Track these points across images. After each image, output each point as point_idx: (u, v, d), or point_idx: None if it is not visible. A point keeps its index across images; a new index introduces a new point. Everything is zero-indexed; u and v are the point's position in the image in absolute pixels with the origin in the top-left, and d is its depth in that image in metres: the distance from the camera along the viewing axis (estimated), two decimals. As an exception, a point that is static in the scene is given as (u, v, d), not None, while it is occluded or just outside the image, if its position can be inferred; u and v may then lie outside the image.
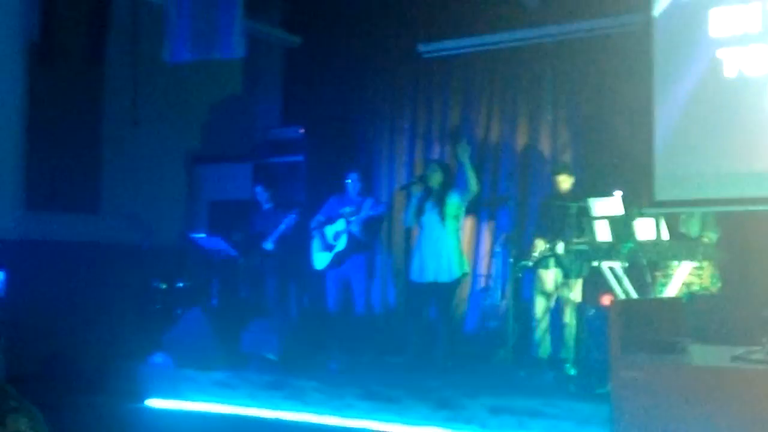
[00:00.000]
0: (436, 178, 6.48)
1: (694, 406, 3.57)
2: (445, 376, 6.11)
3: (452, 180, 6.67)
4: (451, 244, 6.40)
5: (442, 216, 6.39)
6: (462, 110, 7.84)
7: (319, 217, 7.07)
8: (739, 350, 3.83)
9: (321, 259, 7.02)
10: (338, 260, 6.96)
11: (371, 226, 6.92)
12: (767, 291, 3.78)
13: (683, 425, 3.65)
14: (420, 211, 6.47)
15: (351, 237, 6.83)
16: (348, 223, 6.82)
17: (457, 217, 6.49)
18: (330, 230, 6.98)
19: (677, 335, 4.15)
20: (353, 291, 7.08)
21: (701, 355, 4.20)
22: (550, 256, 6.18)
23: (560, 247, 6.03)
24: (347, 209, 6.94)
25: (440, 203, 6.41)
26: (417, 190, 6.53)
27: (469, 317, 7.39)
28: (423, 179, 6.57)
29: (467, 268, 6.60)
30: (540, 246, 6.25)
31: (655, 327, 4.10)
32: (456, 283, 6.46)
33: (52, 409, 6.48)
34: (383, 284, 7.78)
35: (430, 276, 6.37)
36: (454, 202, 6.45)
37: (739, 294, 5.98)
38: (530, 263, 6.27)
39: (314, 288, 7.70)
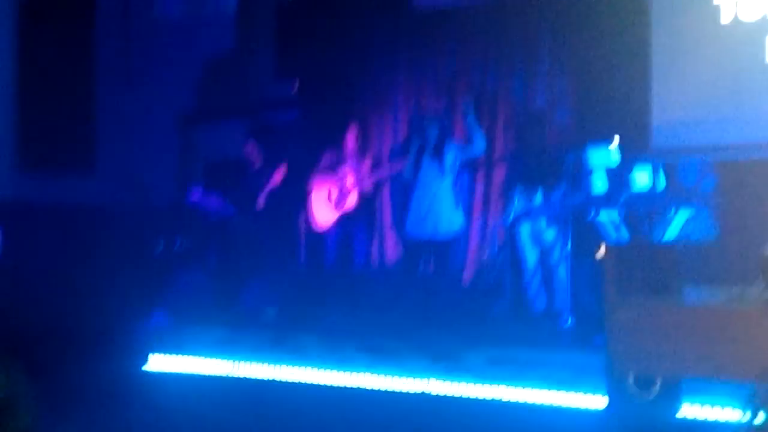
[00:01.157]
0: (432, 132, 6.42)
1: (689, 346, 3.59)
2: (443, 329, 6.13)
3: (448, 133, 6.62)
4: (449, 197, 6.37)
5: (440, 169, 6.36)
6: (457, 62, 7.74)
7: (319, 172, 7.04)
8: (735, 291, 3.84)
9: (326, 215, 6.98)
10: (346, 216, 6.93)
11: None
12: (764, 235, 3.77)
13: (679, 365, 3.68)
14: (417, 165, 6.42)
15: (361, 194, 6.80)
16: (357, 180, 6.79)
17: (453, 171, 6.46)
18: (337, 185, 6.95)
19: (672, 278, 4.16)
20: (355, 247, 7.08)
21: (696, 295, 4.22)
22: (540, 206, 6.14)
23: (540, 198, 6.01)
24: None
25: (437, 156, 6.36)
26: (413, 143, 6.49)
27: (467, 270, 7.38)
28: (419, 132, 6.53)
29: (462, 223, 6.59)
30: (530, 197, 6.21)
31: (650, 270, 4.11)
32: (454, 236, 6.43)
33: (53, 370, 6.57)
34: (381, 239, 7.75)
35: (428, 229, 6.35)
36: (450, 156, 6.40)
37: (736, 238, 5.97)
38: (521, 214, 6.24)
39: (311, 244, 7.70)
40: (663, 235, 5.52)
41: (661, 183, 5.31)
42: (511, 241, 6.51)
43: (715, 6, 5.77)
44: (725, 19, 5.75)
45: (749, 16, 5.66)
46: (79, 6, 7.57)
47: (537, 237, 6.29)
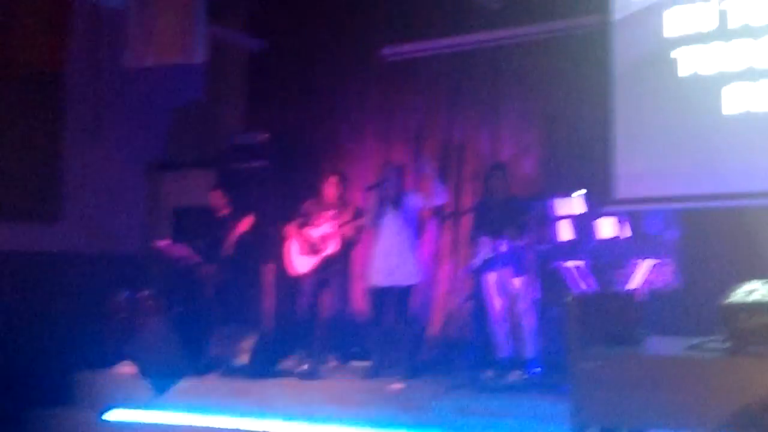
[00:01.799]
0: (393, 181, 6.47)
1: (651, 396, 3.60)
2: (411, 380, 6.10)
3: (407, 182, 6.66)
4: (410, 247, 6.38)
5: (400, 219, 6.37)
6: (425, 112, 7.85)
7: (298, 221, 7.05)
8: (697, 341, 3.88)
9: (303, 263, 6.96)
10: (323, 264, 6.92)
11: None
12: (725, 285, 3.83)
13: (641, 415, 3.68)
14: (379, 215, 6.45)
15: (343, 242, 6.81)
16: (340, 227, 6.79)
17: (414, 220, 6.48)
18: (316, 233, 6.95)
19: (635, 328, 4.19)
20: (332, 295, 7.05)
21: (657, 345, 4.25)
22: (504, 255, 6.16)
23: (506, 247, 6.04)
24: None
25: (398, 206, 6.40)
26: (375, 193, 6.49)
27: (432, 321, 7.38)
28: (379, 182, 6.55)
29: (422, 273, 6.56)
30: (497, 247, 6.25)
31: (613, 320, 4.14)
32: (415, 287, 6.41)
33: (12, 420, 6.42)
34: (348, 289, 7.74)
35: (389, 280, 6.34)
36: (412, 205, 6.44)
37: (700, 289, 6.05)
38: (488, 264, 6.26)
39: (281, 292, 7.67)
40: (627, 284, 5.58)
41: (625, 233, 5.38)
42: (479, 291, 6.52)
43: (673, 59, 5.92)
44: (683, 71, 5.89)
45: (706, 69, 5.81)
46: (48, 55, 7.58)
47: (504, 286, 6.30)
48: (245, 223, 6.95)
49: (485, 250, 6.21)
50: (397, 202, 6.41)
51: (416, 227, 6.55)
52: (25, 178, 7.53)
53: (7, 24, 7.21)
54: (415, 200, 6.49)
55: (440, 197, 6.63)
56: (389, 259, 6.34)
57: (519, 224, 5.96)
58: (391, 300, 6.41)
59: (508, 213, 6.09)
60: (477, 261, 6.25)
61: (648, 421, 3.78)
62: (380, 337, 6.46)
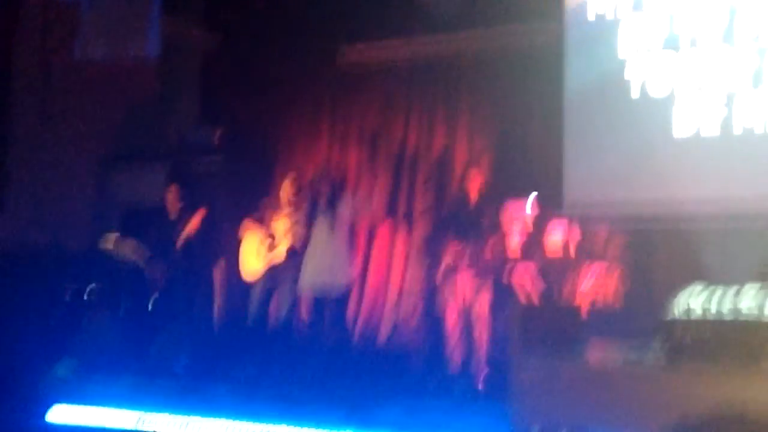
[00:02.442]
0: (325, 186, 6.45)
1: (589, 405, 3.66)
2: (359, 382, 6.10)
3: (343, 187, 6.63)
4: (340, 252, 6.34)
5: (331, 224, 6.34)
6: (381, 115, 7.85)
7: (250, 218, 6.98)
8: (634, 349, 3.94)
9: (254, 266, 6.88)
10: (274, 269, 6.86)
11: None
12: (668, 298, 3.89)
13: (578, 424, 3.74)
14: (311, 219, 6.41)
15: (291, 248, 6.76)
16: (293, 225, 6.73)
17: (347, 225, 6.44)
18: (268, 232, 6.90)
19: (577, 336, 4.25)
20: (278, 303, 6.98)
21: (598, 353, 4.31)
22: (461, 264, 6.20)
23: (471, 256, 6.07)
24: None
25: (329, 212, 6.37)
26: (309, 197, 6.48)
27: (384, 327, 7.37)
28: (313, 185, 6.52)
29: (350, 278, 6.54)
30: (451, 255, 6.25)
31: (555, 328, 4.20)
32: (346, 292, 6.39)
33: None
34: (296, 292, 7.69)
35: (318, 285, 6.31)
36: (344, 210, 6.40)
37: (643, 299, 6.14)
38: (442, 269, 6.27)
39: (230, 294, 7.59)
40: (572, 292, 5.64)
41: (572, 241, 5.44)
42: (429, 296, 6.54)
43: (626, 80, 6.00)
44: (635, 93, 5.98)
45: (657, 92, 5.91)
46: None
47: (455, 292, 6.31)
48: (196, 218, 6.85)
49: (450, 255, 6.20)
50: (329, 205, 6.36)
51: (348, 231, 6.48)
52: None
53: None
54: (349, 204, 6.42)
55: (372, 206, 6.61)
56: (320, 263, 6.29)
57: (472, 231, 5.98)
58: (323, 305, 6.38)
59: (462, 219, 6.11)
60: (442, 267, 6.23)
61: (586, 427, 3.83)
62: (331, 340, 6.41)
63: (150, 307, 7.02)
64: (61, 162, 8.13)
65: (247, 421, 5.76)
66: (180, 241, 6.90)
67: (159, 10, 6.83)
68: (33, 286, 7.37)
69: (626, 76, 5.99)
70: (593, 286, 5.74)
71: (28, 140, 7.83)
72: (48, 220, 7.89)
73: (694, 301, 3.71)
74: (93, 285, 7.42)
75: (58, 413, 6.32)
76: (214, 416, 5.87)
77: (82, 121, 8.25)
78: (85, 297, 7.29)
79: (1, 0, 7.27)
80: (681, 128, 5.75)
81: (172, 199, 7.21)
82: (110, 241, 7.13)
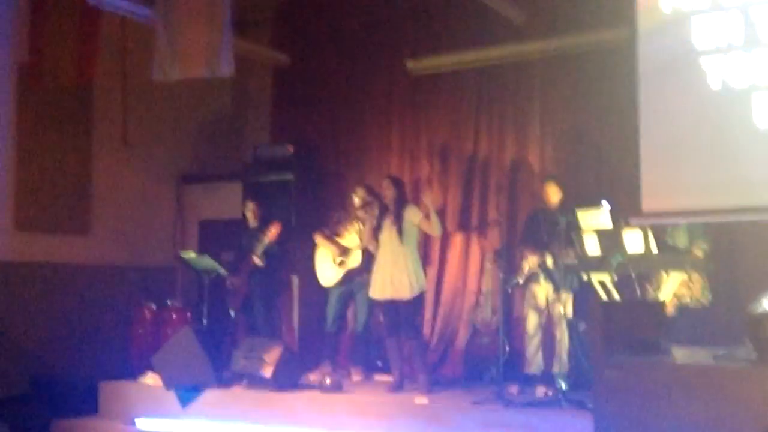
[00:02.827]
0: (389, 195, 6.40)
1: (675, 404, 3.55)
2: (435, 394, 6.08)
3: (405, 195, 6.57)
4: (407, 260, 6.26)
5: (398, 232, 6.27)
6: (450, 126, 7.86)
7: (324, 231, 7.08)
8: (722, 351, 3.82)
9: (329, 275, 7.00)
10: (348, 277, 6.94)
11: None
12: (753, 298, 3.77)
13: (664, 423, 3.64)
14: (378, 229, 6.40)
15: (366, 254, 6.80)
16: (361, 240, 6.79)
17: (412, 233, 6.37)
18: (342, 244, 6.98)
19: (660, 337, 4.15)
20: (356, 308, 7.05)
21: (684, 355, 4.20)
22: (540, 270, 6.16)
23: (549, 262, 6.03)
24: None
25: (396, 220, 6.31)
26: (373, 209, 6.44)
27: (461, 334, 7.36)
28: (378, 197, 6.51)
29: (424, 285, 6.44)
30: (530, 261, 6.23)
31: (638, 329, 4.10)
32: (413, 301, 6.29)
33: (41, 429, 6.47)
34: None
35: (386, 293, 6.28)
36: (409, 218, 6.33)
37: (726, 302, 5.98)
38: (520, 279, 6.24)
39: (308, 304, 7.69)
40: (654, 297, 5.53)
41: (653, 246, 5.32)
42: (509, 304, 6.49)
43: (702, 70, 5.87)
44: (713, 83, 5.84)
45: (737, 82, 5.76)
46: (78, 67, 7.67)
47: (540, 301, 6.27)
48: (273, 231, 6.97)
49: (529, 263, 6.16)
50: (394, 214, 6.33)
51: (414, 239, 6.43)
52: (56, 191, 7.64)
53: (39, 37, 7.32)
54: (415, 215, 6.37)
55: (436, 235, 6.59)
56: (384, 272, 6.29)
57: (563, 239, 5.92)
58: (391, 313, 6.36)
59: (555, 227, 6.05)
60: (521, 275, 6.20)
61: (672, 429, 3.73)
62: (398, 349, 6.41)
63: (232, 317, 7.17)
64: (142, 182, 8.36)
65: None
66: (259, 254, 7.01)
67: (231, 31, 6.96)
68: (118, 304, 7.60)
69: (703, 66, 5.84)
70: (678, 292, 5.63)
71: (110, 162, 8.07)
72: (129, 239, 8.11)
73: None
74: (173, 300, 7.60)
75: (141, 425, 6.48)
76: (295, 425, 5.94)
77: (160, 141, 8.48)
78: (166, 312, 7.46)
79: (82, 23, 7.49)
80: (762, 117, 5.59)
81: (249, 216, 7.36)
82: (190, 257, 7.30)
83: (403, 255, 6.25)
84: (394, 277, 6.22)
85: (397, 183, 6.54)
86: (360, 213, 6.71)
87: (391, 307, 6.30)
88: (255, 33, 8.64)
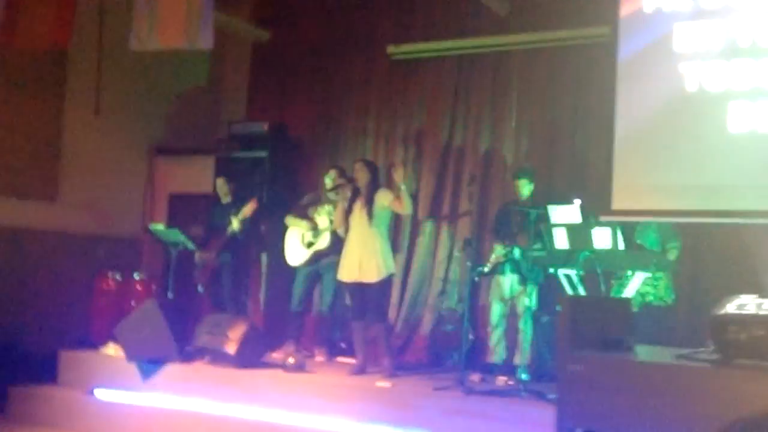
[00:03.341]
0: (362, 178, 6.37)
1: (638, 402, 3.60)
2: (397, 378, 6.11)
3: (378, 179, 6.52)
4: (376, 244, 6.24)
5: (369, 216, 6.25)
6: (427, 113, 7.86)
7: (294, 213, 7.06)
8: (686, 351, 3.88)
9: (297, 255, 6.99)
10: (315, 258, 6.93)
11: None
12: (718, 300, 3.84)
13: (627, 420, 3.69)
14: (349, 211, 6.38)
15: (335, 236, 6.79)
16: (332, 222, 6.78)
17: (383, 217, 6.34)
18: (311, 225, 6.97)
19: (626, 334, 4.20)
20: (323, 290, 7.06)
21: (647, 353, 4.26)
22: (507, 261, 6.20)
23: (516, 253, 6.07)
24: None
25: (367, 203, 6.28)
26: (346, 191, 6.40)
27: (425, 320, 7.40)
28: (350, 179, 6.50)
29: (393, 269, 6.42)
30: (497, 251, 6.26)
31: (604, 326, 4.15)
32: (381, 284, 6.28)
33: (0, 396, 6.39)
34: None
35: (354, 276, 6.27)
36: (380, 202, 6.29)
37: (691, 304, 6.09)
38: (487, 268, 6.27)
39: (275, 283, 7.68)
40: (620, 294, 5.61)
41: (621, 244, 5.38)
42: (474, 293, 6.53)
43: (680, 74, 5.94)
44: (690, 86, 5.91)
45: (713, 86, 5.84)
46: (53, 32, 7.54)
47: (504, 291, 6.31)
48: (250, 207, 6.94)
49: (496, 254, 6.20)
50: (365, 197, 6.30)
51: (384, 223, 6.40)
52: (26, 156, 7.53)
53: (13, 1, 7.19)
54: (386, 197, 6.32)
55: (406, 214, 6.56)
56: (353, 255, 6.29)
57: (532, 231, 5.95)
58: (357, 296, 6.36)
59: (524, 220, 6.08)
60: (488, 264, 6.23)
61: (633, 426, 3.79)
62: (362, 333, 6.42)
63: (198, 291, 7.14)
64: (113, 152, 8.28)
65: (287, 412, 5.83)
66: (230, 229, 7.00)
67: (212, 4, 6.89)
68: (85, 273, 7.52)
69: (681, 70, 5.91)
70: (643, 290, 5.71)
71: (81, 130, 7.97)
72: (98, 208, 8.03)
73: (745, 300, 3.65)
74: (139, 272, 7.55)
75: (100, 395, 6.45)
76: (257, 403, 5.95)
77: (134, 112, 8.38)
78: (131, 283, 7.41)
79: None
80: (737, 124, 5.68)
81: (223, 191, 7.33)
82: (158, 229, 7.26)
83: (372, 238, 6.24)
84: (363, 260, 6.21)
85: (371, 166, 6.52)
86: (331, 195, 6.68)
87: (358, 289, 6.30)
88: (235, 7, 8.55)
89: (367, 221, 6.25)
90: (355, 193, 6.39)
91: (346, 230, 6.40)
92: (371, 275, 6.21)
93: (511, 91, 7.48)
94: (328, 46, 8.41)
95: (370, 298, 6.27)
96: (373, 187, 6.37)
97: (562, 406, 3.92)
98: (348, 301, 6.60)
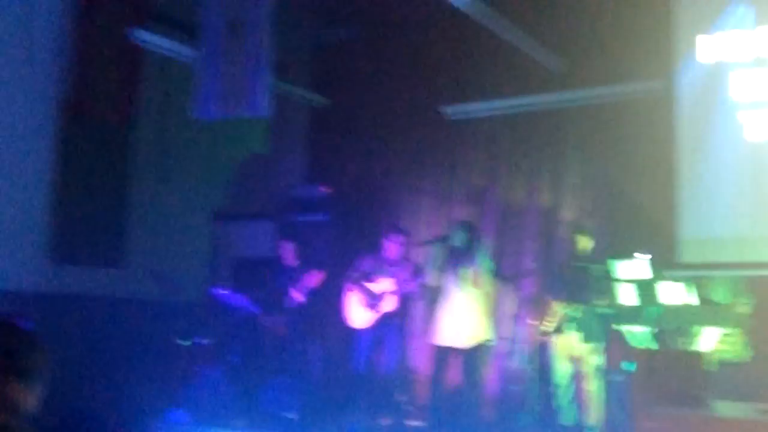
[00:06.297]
0: (459, 238, 6.37)
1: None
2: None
3: (477, 241, 6.50)
4: (472, 308, 6.23)
5: (463, 278, 6.26)
6: (486, 173, 7.87)
7: (357, 275, 7.08)
8: (763, 406, 3.74)
9: (362, 317, 6.98)
10: (382, 320, 6.93)
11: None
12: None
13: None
14: (442, 272, 6.37)
15: (402, 298, 6.77)
16: (400, 284, 6.78)
17: (479, 280, 6.33)
18: (375, 288, 6.98)
19: (701, 388, 4.07)
20: (387, 352, 7.02)
21: (725, 408, 4.11)
22: (570, 320, 6.10)
23: (578, 311, 5.96)
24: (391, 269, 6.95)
25: (462, 264, 6.29)
26: (438, 249, 6.42)
27: (493, 381, 7.29)
28: (445, 239, 6.49)
29: (490, 334, 6.40)
30: (559, 310, 6.17)
31: (679, 381, 4.02)
32: (477, 349, 6.25)
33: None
34: (408, 346, 7.68)
35: (448, 340, 6.25)
36: (477, 264, 6.29)
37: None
38: (550, 328, 6.18)
39: (340, 347, 7.65)
40: (695, 350, 5.47)
41: (693, 299, 5.28)
42: (543, 353, 6.43)
43: (740, 123, 5.88)
44: (750, 136, 5.84)
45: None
46: (118, 105, 7.79)
47: (572, 350, 6.20)
48: (316, 278, 7.01)
49: (560, 312, 6.11)
50: (461, 259, 6.30)
51: (481, 286, 6.42)
52: (94, 225, 7.70)
53: (80, 74, 7.45)
54: (482, 258, 6.34)
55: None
56: (450, 318, 6.24)
57: (595, 289, 5.87)
58: (456, 360, 6.32)
59: (575, 277, 6.00)
60: (552, 323, 6.14)
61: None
62: (438, 396, 6.36)
63: (259, 360, 7.15)
64: (177, 218, 8.42)
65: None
66: (298, 297, 7.04)
67: (270, 71, 7.06)
68: (150, 339, 7.60)
69: (740, 118, 5.84)
70: (719, 348, 5.56)
71: (147, 197, 8.14)
72: (164, 274, 8.13)
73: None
74: (206, 337, 7.60)
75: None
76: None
77: (197, 178, 8.56)
78: (199, 349, 7.46)
79: (125, 61, 7.62)
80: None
81: (288, 255, 7.41)
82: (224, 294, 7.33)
83: (464, 302, 6.21)
84: (454, 324, 6.16)
85: (469, 228, 6.49)
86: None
87: (448, 354, 6.24)
88: (293, 73, 8.74)
89: (459, 283, 6.22)
90: (450, 253, 6.36)
91: (440, 292, 6.35)
92: (464, 340, 6.16)
93: (569, 148, 7.47)
94: (384, 108, 8.50)
95: (460, 363, 6.25)
96: (470, 249, 6.31)
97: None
98: (435, 363, 6.49)
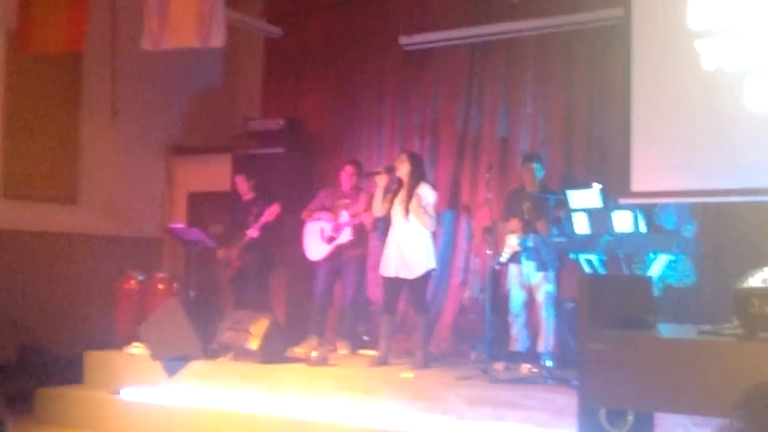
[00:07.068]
0: (403, 169, 6.32)
1: (661, 379, 3.56)
2: (421, 370, 6.10)
3: (422, 172, 6.45)
4: (415, 239, 6.21)
5: (406, 210, 6.21)
6: (442, 102, 7.84)
7: (312, 208, 7.06)
8: (709, 327, 3.84)
9: (318, 250, 6.99)
10: (337, 252, 6.93)
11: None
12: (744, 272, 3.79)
13: (650, 397, 3.65)
14: (389, 204, 6.35)
15: (356, 230, 6.78)
16: (351, 216, 6.78)
17: (424, 211, 6.22)
18: (331, 221, 6.97)
19: (648, 312, 4.16)
20: (345, 283, 7.05)
21: (669, 330, 4.21)
22: (524, 249, 6.14)
23: (531, 241, 6.00)
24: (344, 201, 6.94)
25: (406, 196, 6.25)
26: (381, 181, 6.38)
27: (448, 310, 7.38)
28: (389, 170, 6.46)
29: (434, 264, 6.38)
30: (513, 239, 6.20)
31: (625, 305, 4.10)
32: (421, 279, 6.27)
33: (26, 398, 6.46)
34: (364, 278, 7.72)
35: (392, 271, 6.27)
36: (422, 196, 6.22)
37: (714, 285, 6.02)
38: (505, 257, 6.22)
39: (298, 279, 7.69)
40: (641, 275, 5.55)
41: (642, 226, 5.34)
42: (495, 282, 6.49)
43: (696, 52, 5.86)
44: (707, 65, 5.84)
45: (731, 64, 5.76)
46: (67, 34, 7.59)
47: (525, 279, 6.26)
48: (273, 212, 6.98)
49: (513, 242, 6.14)
50: (406, 190, 6.26)
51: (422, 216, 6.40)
52: (44, 159, 7.59)
53: (28, 3, 7.25)
54: (426, 190, 6.30)
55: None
56: (395, 250, 6.25)
57: (548, 218, 5.91)
58: (403, 290, 6.37)
59: (539, 205, 6.03)
60: (505, 253, 6.17)
61: (657, 404, 3.75)
62: (390, 325, 6.42)
63: (216, 293, 7.17)
64: (131, 153, 8.32)
65: (311, 407, 5.83)
66: (254, 230, 7.03)
67: (224, 2, 6.91)
68: (104, 273, 7.57)
69: (697, 47, 5.83)
70: (664, 268, 5.64)
71: (99, 132, 8.03)
72: (117, 209, 8.08)
73: (768, 273, 3.60)
74: (160, 272, 7.59)
75: (127, 394, 6.48)
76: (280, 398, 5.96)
77: (151, 112, 8.43)
78: (153, 283, 7.45)
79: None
80: (755, 101, 5.60)
81: (243, 189, 7.36)
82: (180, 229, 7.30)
83: (413, 232, 6.21)
84: (406, 254, 6.19)
85: (413, 158, 6.40)
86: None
87: (397, 284, 6.29)
88: (247, 4, 8.56)
89: (404, 215, 6.20)
90: (397, 184, 6.33)
91: (387, 224, 6.36)
92: (414, 271, 6.19)
93: (525, 78, 7.44)
94: (340, 39, 8.40)
95: (412, 292, 6.27)
96: (416, 179, 6.28)
97: (585, 386, 3.88)
98: (383, 294, 6.53)
